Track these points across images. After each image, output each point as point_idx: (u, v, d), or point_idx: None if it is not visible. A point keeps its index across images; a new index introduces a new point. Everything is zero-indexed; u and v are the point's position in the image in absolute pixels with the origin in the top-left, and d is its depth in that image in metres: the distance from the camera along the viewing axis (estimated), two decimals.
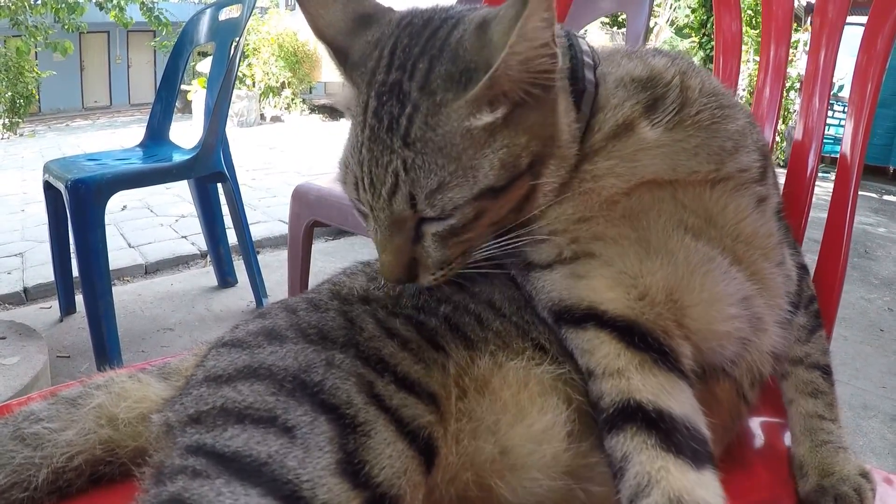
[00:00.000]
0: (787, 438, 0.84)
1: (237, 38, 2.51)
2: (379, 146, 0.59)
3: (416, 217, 0.61)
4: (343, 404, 0.53)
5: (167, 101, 2.83)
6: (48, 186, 2.44)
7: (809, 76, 1.15)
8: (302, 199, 2.01)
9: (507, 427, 0.60)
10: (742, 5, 1.26)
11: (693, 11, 9.71)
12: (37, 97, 9.20)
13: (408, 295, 0.69)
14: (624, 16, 1.84)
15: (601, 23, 10.15)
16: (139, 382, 0.70)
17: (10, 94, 8.35)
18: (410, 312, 0.66)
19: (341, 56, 0.64)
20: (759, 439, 0.92)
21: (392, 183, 0.59)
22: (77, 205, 2.14)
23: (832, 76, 1.15)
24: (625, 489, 0.55)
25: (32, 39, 8.11)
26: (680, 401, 0.59)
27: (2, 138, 8.25)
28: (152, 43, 11.51)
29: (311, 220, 1.96)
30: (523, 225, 0.66)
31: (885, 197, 6.62)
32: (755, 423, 0.94)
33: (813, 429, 0.78)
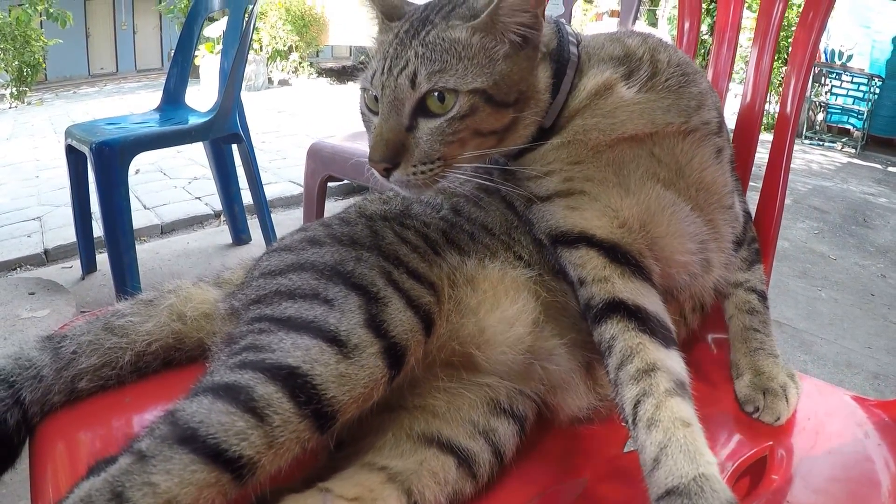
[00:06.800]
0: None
1: (251, 6, 2.57)
2: (402, 45, 0.77)
3: (415, 97, 0.75)
4: (369, 284, 0.71)
5: (183, 65, 2.90)
6: (70, 150, 2.53)
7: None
8: (317, 155, 2.17)
9: (486, 312, 0.78)
10: None
11: None
12: (43, 65, 9.15)
13: (414, 214, 0.86)
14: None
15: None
16: (201, 289, 0.89)
17: (17, 63, 8.33)
18: (419, 226, 0.83)
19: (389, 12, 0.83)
20: (705, 351, 1.06)
21: (403, 65, 0.75)
22: (102, 166, 2.24)
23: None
24: (613, 360, 0.72)
25: (34, 9, 8.07)
26: (651, 301, 0.76)
27: (10, 107, 8.25)
28: (157, 7, 11.41)
29: (326, 174, 2.12)
30: (518, 157, 0.83)
31: (890, 168, 6.62)
32: (708, 338, 1.07)
33: (748, 338, 0.93)
